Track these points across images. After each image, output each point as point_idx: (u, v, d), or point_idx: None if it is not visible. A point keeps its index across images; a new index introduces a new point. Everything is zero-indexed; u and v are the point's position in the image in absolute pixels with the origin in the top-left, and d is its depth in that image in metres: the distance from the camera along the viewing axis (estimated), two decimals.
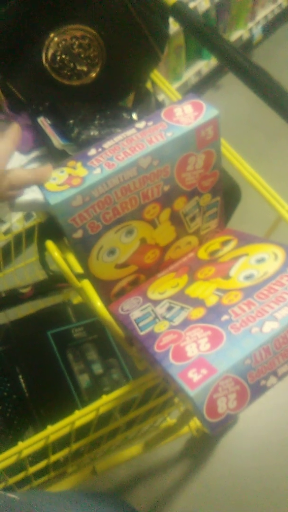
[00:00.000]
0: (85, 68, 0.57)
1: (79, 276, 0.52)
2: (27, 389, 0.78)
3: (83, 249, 0.53)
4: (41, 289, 0.95)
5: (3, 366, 0.79)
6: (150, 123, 0.53)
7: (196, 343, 0.44)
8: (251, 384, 0.41)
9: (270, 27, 2.36)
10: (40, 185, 0.50)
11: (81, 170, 0.50)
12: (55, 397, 0.77)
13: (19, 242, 1.04)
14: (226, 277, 0.53)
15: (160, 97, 0.77)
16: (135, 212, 0.54)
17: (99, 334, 0.84)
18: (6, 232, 1.26)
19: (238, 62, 0.56)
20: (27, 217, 1.29)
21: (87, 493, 0.57)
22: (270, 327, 0.42)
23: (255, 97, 0.59)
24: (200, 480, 1.21)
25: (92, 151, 0.52)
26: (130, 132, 0.52)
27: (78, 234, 0.51)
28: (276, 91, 0.55)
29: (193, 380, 0.40)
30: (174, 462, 1.22)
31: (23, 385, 0.78)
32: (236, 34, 2.14)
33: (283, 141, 1.85)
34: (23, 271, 1.08)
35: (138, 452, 1.00)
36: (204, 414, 0.40)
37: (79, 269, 0.52)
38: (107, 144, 0.52)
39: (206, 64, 1.99)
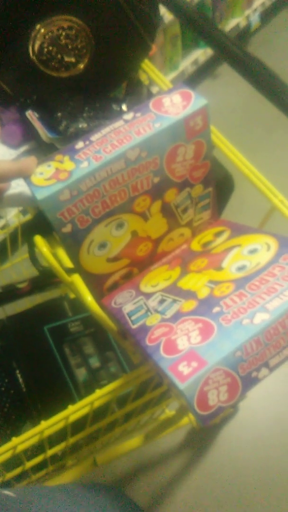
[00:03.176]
0: (73, 60, 0.56)
1: (69, 271, 0.51)
2: (24, 384, 0.78)
3: (73, 243, 0.53)
4: (38, 284, 0.95)
5: (0, 362, 0.80)
6: (138, 114, 0.52)
7: (187, 336, 0.43)
8: (242, 376, 0.41)
9: (267, 14, 2.33)
10: (25, 177, 0.49)
11: (68, 164, 0.50)
12: (52, 392, 0.77)
13: (15, 237, 1.04)
14: (219, 268, 0.52)
15: (155, 89, 0.76)
16: (125, 205, 0.54)
17: (96, 328, 0.84)
18: (2, 228, 1.25)
19: (232, 52, 0.54)
20: (24, 212, 1.29)
21: (85, 485, 0.57)
22: (261, 318, 0.42)
23: None
24: (200, 471, 1.21)
25: (79, 144, 0.51)
26: (118, 124, 0.52)
27: (67, 228, 0.51)
28: (271, 81, 0.54)
29: (183, 373, 0.40)
30: (174, 454, 1.23)
31: (21, 380, 0.78)
32: (233, 22, 2.12)
33: (281, 131, 1.83)
34: (20, 266, 1.08)
35: (139, 444, 1.01)
36: (195, 407, 0.40)
37: (69, 264, 0.52)
38: (94, 137, 0.51)
39: (202, 53, 1.96)
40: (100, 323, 0.51)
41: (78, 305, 0.89)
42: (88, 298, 0.49)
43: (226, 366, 0.40)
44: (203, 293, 0.48)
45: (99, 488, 0.58)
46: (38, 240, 0.51)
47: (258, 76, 0.54)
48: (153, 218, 0.58)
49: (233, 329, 0.42)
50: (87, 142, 0.51)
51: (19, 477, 0.67)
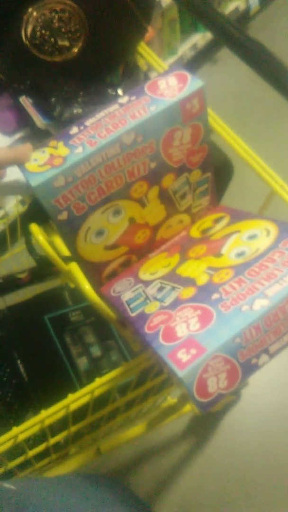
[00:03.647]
0: (67, 43, 0.54)
1: (66, 259, 0.51)
2: (26, 373, 0.78)
3: (69, 231, 0.52)
4: (38, 274, 0.94)
5: (1, 352, 0.79)
6: (133, 98, 0.51)
7: (186, 323, 0.43)
8: (242, 362, 0.40)
9: None
10: (21, 164, 0.48)
11: (62, 150, 0.49)
12: (54, 381, 0.77)
13: (15, 228, 1.03)
14: (218, 255, 0.51)
15: (154, 75, 0.74)
16: (122, 191, 0.53)
17: (96, 317, 0.84)
18: (1, 218, 1.25)
19: (232, 35, 0.53)
20: (23, 202, 1.28)
21: (86, 477, 0.57)
22: (260, 304, 0.41)
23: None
24: (204, 457, 1.22)
25: (74, 130, 0.50)
26: (113, 108, 0.50)
27: (63, 215, 0.50)
28: (272, 64, 0.53)
29: (182, 361, 0.39)
30: (178, 441, 1.23)
31: (22, 370, 0.78)
32: (232, 5, 2.07)
33: (283, 115, 1.80)
34: (20, 257, 1.08)
35: (142, 432, 1.01)
36: (194, 394, 0.39)
37: (66, 252, 0.51)
38: (89, 122, 0.50)
39: (201, 37, 1.93)
40: (99, 312, 0.51)
41: (78, 294, 0.88)
42: (86, 286, 0.48)
43: (225, 353, 0.40)
44: (202, 280, 0.48)
45: (100, 480, 0.58)
46: (34, 228, 0.50)
47: (258, 59, 0.52)
48: (151, 204, 0.57)
49: (232, 316, 0.41)
50: (82, 127, 0.50)
51: (22, 466, 0.67)
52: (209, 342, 0.40)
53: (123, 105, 0.51)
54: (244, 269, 0.46)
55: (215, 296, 0.44)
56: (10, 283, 0.93)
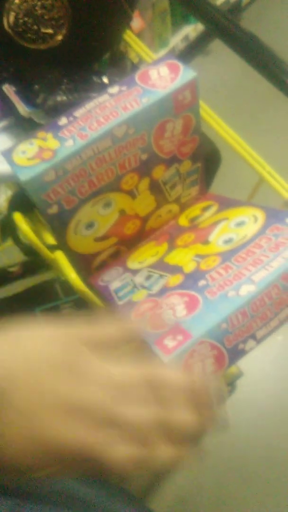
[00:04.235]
0: (50, 31, 0.54)
1: (52, 248, 0.51)
2: None
3: (59, 224, 0.52)
4: (29, 267, 0.95)
5: None
6: (124, 88, 0.51)
7: (172, 310, 0.43)
8: (229, 348, 0.41)
9: None
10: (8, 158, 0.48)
11: (52, 142, 0.48)
12: None
13: (6, 222, 1.03)
14: (205, 242, 0.52)
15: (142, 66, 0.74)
16: (113, 184, 0.53)
17: (88, 309, 0.84)
18: None
19: (224, 27, 0.53)
20: None
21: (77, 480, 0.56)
22: (247, 290, 0.42)
23: None
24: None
25: (63, 120, 0.50)
26: (103, 98, 0.50)
27: (54, 209, 0.50)
28: (264, 55, 0.53)
29: (168, 347, 0.40)
30: None
31: None
32: None
33: (276, 105, 1.80)
34: (12, 250, 1.07)
35: None
36: None
37: (51, 241, 0.51)
38: (78, 113, 0.50)
39: (193, 28, 1.92)
40: (87, 301, 0.51)
41: (69, 287, 0.88)
42: (72, 275, 0.48)
43: (211, 338, 0.40)
44: (189, 267, 0.48)
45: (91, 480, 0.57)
46: (17, 217, 0.50)
47: (250, 50, 0.52)
48: (141, 196, 0.57)
49: (218, 302, 0.42)
50: (71, 118, 0.50)
51: None
52: (195, 328, 0.40)
53: (114, 96, 0.50)
54: (231, 256, 0.47)
55: (201, 282, 0.45)
56: (2, 277, 0.93)
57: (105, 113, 0.49)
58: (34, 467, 0.30)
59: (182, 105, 0.52)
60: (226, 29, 0.54)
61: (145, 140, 0.52)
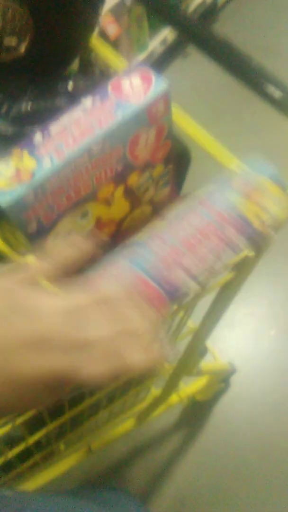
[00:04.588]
0: (13, 42, 0.50)
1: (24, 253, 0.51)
2: None
3: (38, 239, 0.52)
4: None
5: None
6: (97, 99, 0.49)
7: None
8: None
9: None
10: None
11: (28, 162, 0.47)
12: None
13: None
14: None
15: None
16: (89, 195, 0.53)
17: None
18: None
19: (195, 33, 0.51)
20: None
21: (84, 486, 0.58)
22: None
23: None
24: (197, 448, 1.21)
25: (37, 137, 0.48)
26: (77, 113, 0.49)
27: (33, 227, 0.49)
28: (236, 59, 0.52)
29: None
30: (170, 433, 1.22)
31: None
32: None
33: (257, 104, 1.77)
34: None
35: (132, 427, 0.99)
36: None
37: (23, 247, 0.51)
38: (53, 129, 0.48)
39: (170, 31, 1.81)
40: None
41: None
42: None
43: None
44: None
45: (99, 489, 0.59)
46: None
47: (223, 54, 0.52)
48: (116, 203, 0.57)
49: None
50: (46, 134, 0.48)
51: (5, 468, 0.67)
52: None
53: (88, 111, 0.49)
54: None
55: None
56: None
57: (81, 129, 0.48)
58: (15, 408, 0.31)
59: (156, 117, 0.51)
60: (197, 35, 0.53)
61: (120, 153, 0.51)
